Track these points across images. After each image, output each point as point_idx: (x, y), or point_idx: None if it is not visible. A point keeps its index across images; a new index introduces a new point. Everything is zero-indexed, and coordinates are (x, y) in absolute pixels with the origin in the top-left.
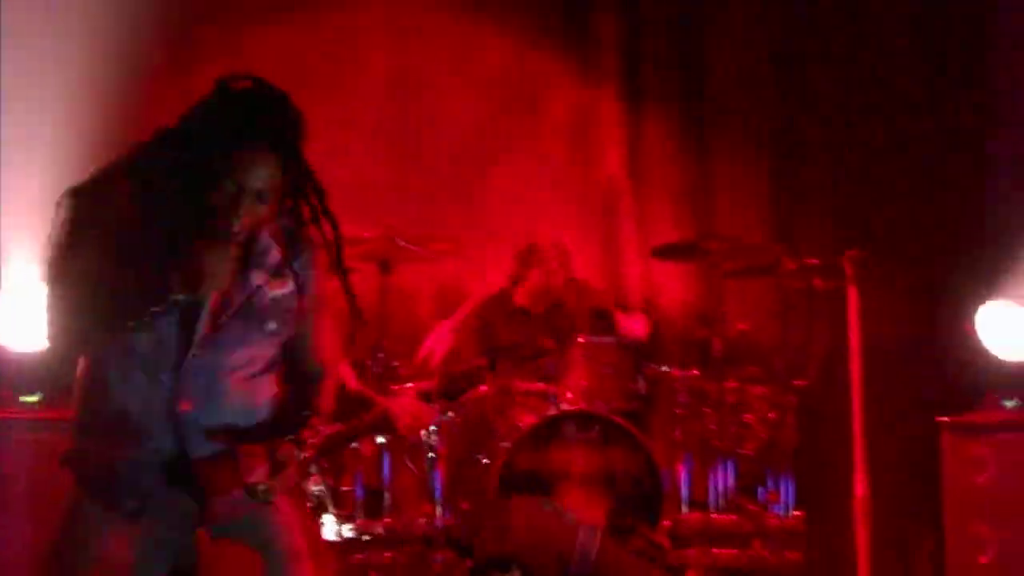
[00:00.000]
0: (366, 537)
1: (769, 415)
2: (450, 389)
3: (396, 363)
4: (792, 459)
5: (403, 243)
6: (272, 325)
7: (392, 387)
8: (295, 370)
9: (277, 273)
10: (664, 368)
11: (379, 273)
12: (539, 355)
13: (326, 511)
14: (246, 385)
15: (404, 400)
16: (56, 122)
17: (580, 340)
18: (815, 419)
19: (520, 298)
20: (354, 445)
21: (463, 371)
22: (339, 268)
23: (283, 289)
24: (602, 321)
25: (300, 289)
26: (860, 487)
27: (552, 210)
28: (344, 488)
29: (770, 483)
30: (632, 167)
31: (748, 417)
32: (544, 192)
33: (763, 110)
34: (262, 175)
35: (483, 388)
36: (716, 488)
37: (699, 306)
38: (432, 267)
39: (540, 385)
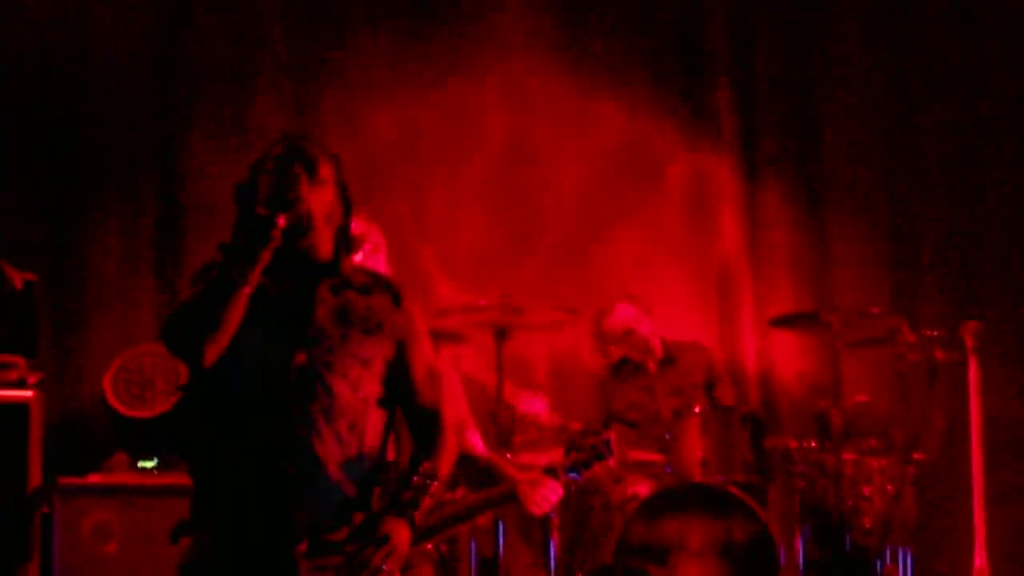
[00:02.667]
0: None
1: (887, 488)
2: (577, 464)
3: (512, 431)
4: (911, 533)
5: (514, 312)
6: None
7: (512, 458)
8: (409, 418)
9: (364, 289)
10: (781, 440)
11: (495, 341)
12: (655, 421)
13: None
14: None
15: (532, 477)
16: None
17: (696, 410)
18: (934, 493)
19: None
20: None
21: (590, 444)
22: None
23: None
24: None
25: (394, 302)
26: (979, 559)
27: (668, 279)
28: (457, 559)
29: (888, 556)
30: (749, 236)
31: (866, 490)
32: (660, 260)
33: (879, 179)
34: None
35: (611, 462)
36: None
37: (817, 377)
38: (548, 335)
39: (656, 455)
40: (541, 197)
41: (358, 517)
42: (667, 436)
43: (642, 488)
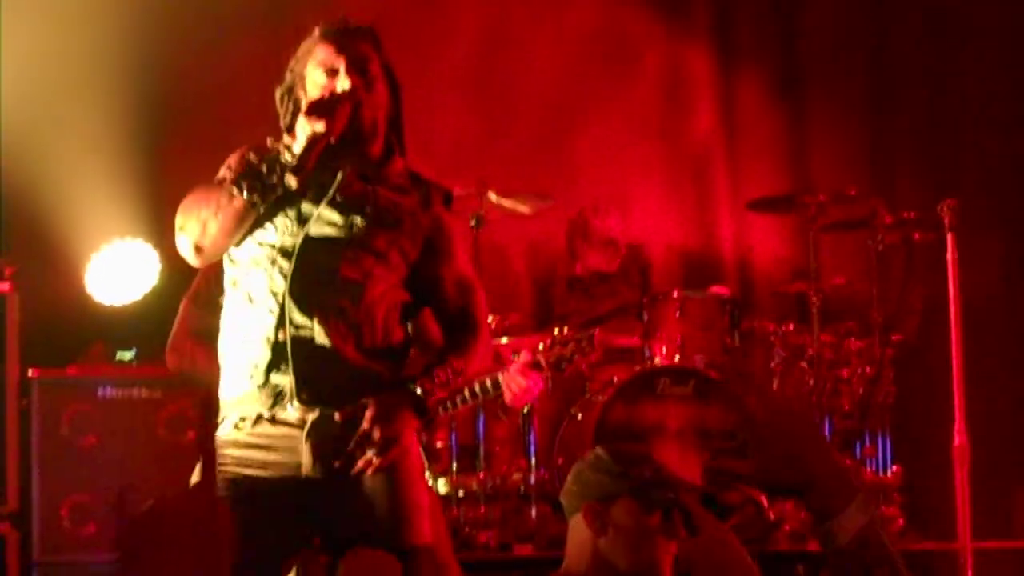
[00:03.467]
0: (461, 492)
1: (866, 370)
2: (560, 359)
3: (492, 320)
4: (890, 414)
5: (496, 198)
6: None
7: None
8: (439, 319)
9: (398, 188)
10: (759, 323)
11: (472, 228)
12: (620, 312)
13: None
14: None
15: (515, 370)
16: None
17: (674, 295)
18: (913, 374)
19: (579, 270)
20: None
21: (573, 340)
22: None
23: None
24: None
25: (424, 204)
26: (959, 437)
27: (645, 164)
28: (438, 444)
29: (867, 438)
30: (726, 121)
31: (845, 372)
32: (637, 146)
33: (856, 62)
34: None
35: (593, 357)
36: None
37: (795, 260)
38: (524, 222)
39: (634, 340)
40: (517, 83)
41: (367, 397)
42: (644, 320)
43: (620, 373)
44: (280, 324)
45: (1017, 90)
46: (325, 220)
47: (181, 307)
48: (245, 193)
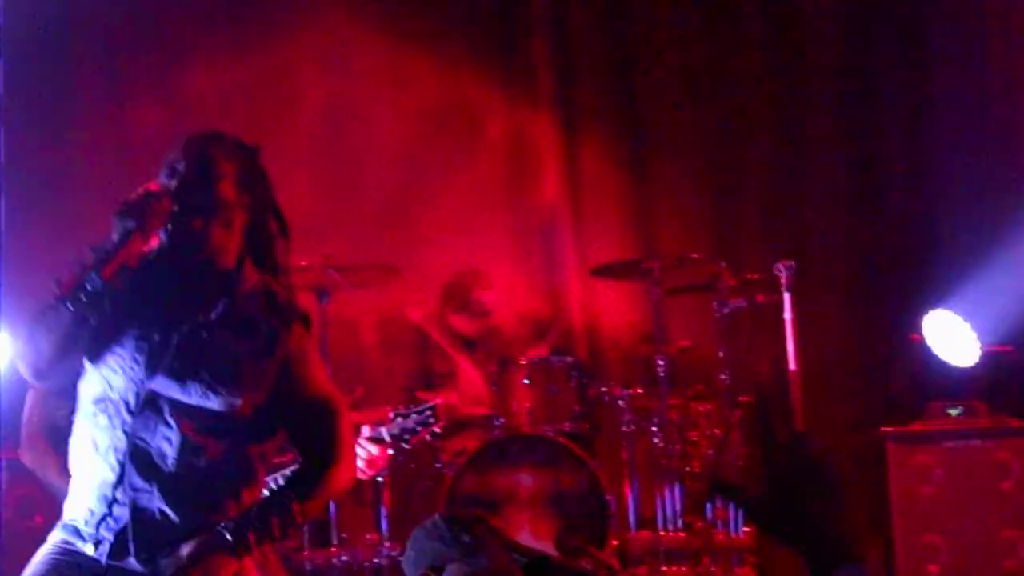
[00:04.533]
0: (316, 567)
1: (715, 431)
2: (404, 431)
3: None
4: (742, 475)
5: (337, 272)
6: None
7: None
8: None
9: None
10: (607, 388)
11: (317, 301)
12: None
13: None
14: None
15: (357, 442)
16: None
17: (522, 361)
18: (762, 434)
19: (458, 324)
20: None
21: (417, 412)
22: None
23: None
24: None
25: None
26: None
27: (491, 235)
28: None
29: (719, 500)
30: (571, 189)
31: (693, 434)
32: (483, 217)
33: (699, 125)
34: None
35: (438, 428)
36: (664, 507)
37: (642, 325)
38: (371, 295)
39: (483, 408)
40: (363, 157)
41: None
42: (493, 388)
43: (471, 442)
44: (119, 483)
45: (860, 152)
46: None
47: (28, 396)
48: (71, 304)
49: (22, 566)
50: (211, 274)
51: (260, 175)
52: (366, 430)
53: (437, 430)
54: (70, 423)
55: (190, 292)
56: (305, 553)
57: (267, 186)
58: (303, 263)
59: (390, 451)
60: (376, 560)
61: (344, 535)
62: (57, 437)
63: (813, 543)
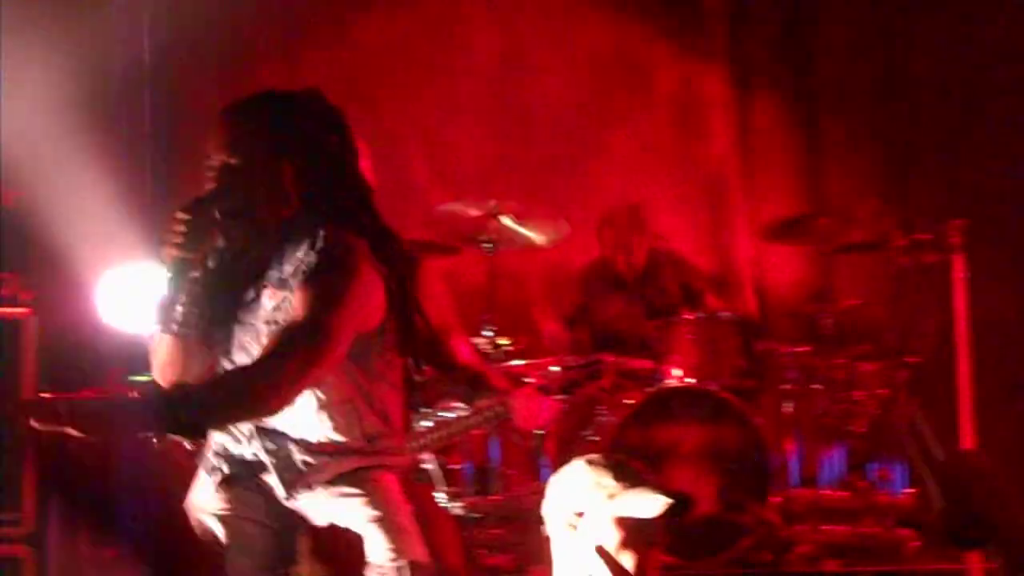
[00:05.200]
0: (476, 515)
1: (880, 392)
2: (571, 383)
3: (505, 342)
4: (904, 436)
5: (511, 222)
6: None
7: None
8: None
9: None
10: (773, 345)
11: (487, 252)
12: (644, 339)
13: (436, 489)
14: None
15: (525, 395)
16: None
17: (687, 316)
18: (928, 396)
19: (616, 266)
20: None
21: (583, 365)
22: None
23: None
24: (691, 299)
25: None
26: None
27: (659, 188)
28: (453, 466)
29: (882, 461)
30: (741, 144)
31: (858, 394)
32: (651, 169)
33: (872, 83)
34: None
35: (604, 382)
36: (826, 465)
37: (809, 282)
38: (539, 246)
39: (647, 362)
40: (532, 107)
41: None
42: (657, 343)
43: (634, 395)
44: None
45: None
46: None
47: None
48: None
49: None
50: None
51: (294, 122)
52: (532, 381)
53: (604, 384)
54: None
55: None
56: (466, 501)
57: (307, 133)
58: (473, 213)
59: (555, 402)
60: (537, 507)
61: (507, 484)
62: None
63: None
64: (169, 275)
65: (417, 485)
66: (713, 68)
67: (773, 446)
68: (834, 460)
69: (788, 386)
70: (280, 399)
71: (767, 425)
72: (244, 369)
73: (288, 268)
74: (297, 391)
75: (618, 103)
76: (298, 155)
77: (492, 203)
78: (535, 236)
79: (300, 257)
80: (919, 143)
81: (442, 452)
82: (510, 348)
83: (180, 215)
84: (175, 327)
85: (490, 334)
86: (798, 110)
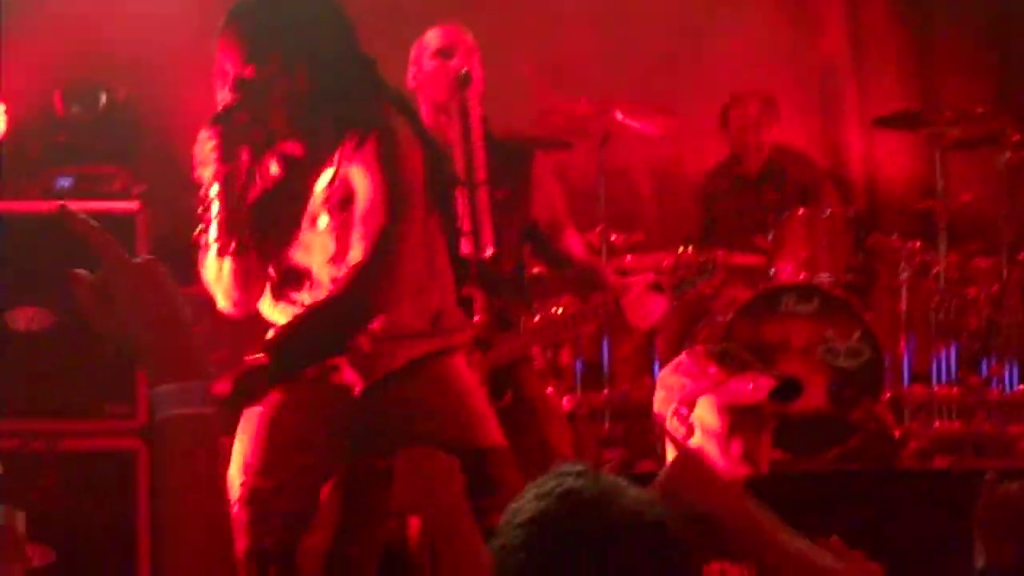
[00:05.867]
0: (585, 409)
1: (992, 289)
2: (683, 282)
3: (615, 239)
4: (1017, 333)
5: (620, 117)
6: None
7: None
8: None
9: None
10: (885, 240)
11: (597, 147)
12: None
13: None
14: None
15: (637, 291)
16: None
17: (799, 212)
18: None
19: (741, 160)
20: None
21: (697, 263)
22: None
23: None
24: (809, 195)
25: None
26: None
27: (770, 80)
28: (564, 361)
29: (994, 358)
30: (852, 39)
31: (971, 290)
32: (763, 65)
33: None
34: None
35: (716, 280)
36: (939, 362)
37: (922, 177)
38: (649, 141)
39: (759, 258)
40: (641, 1)
41: None
42: (770, 238)
43: (745, 290)
44: None
45: None
46: None
47: None
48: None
49: None
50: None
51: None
52: (645, 277)
53: (715, 283)
54: None
55: None
56: (577, 394)
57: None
58: (580, 110)
59: (666, 299)
60: (647, 402)
61: (616, 380)
62: None
63: None
64: (216, 192)
65: (528, 376)
66: None
67: (885, 342)
68: (946, 356)
69: (901, 282)
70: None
71: (879, 321)
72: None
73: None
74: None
75: None
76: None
77: (601, 97)
78: (645, 130)
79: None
80: None
81: (554, 347)
82: (622, 244)
83: (208, 129)
84: (233, 246)
85: (602, 230)
86: (911, 4)
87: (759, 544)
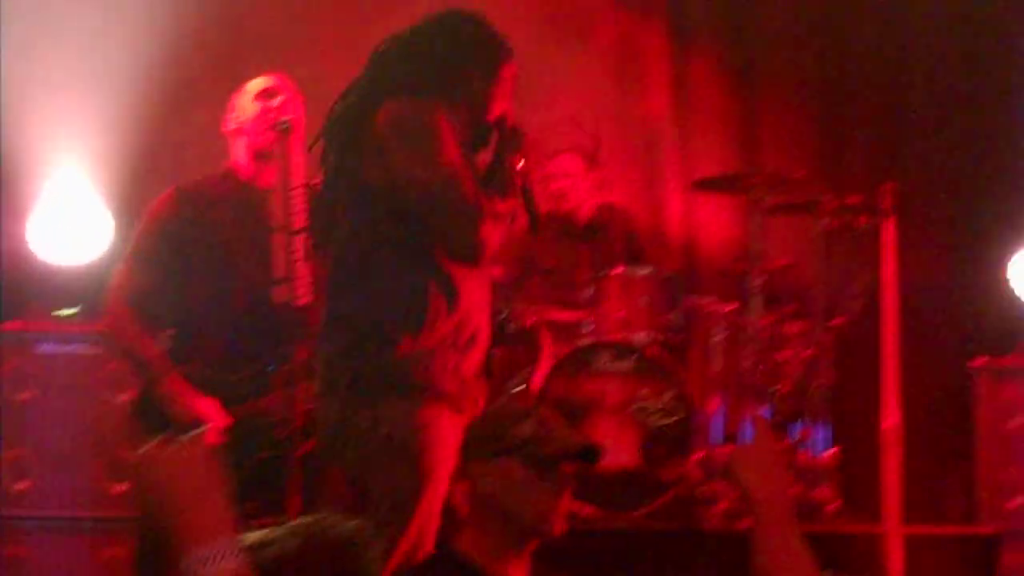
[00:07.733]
0: None
1: (805, 353)
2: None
3: None
4: (828, 398)
5: None
6: None
7: None
8: None
9: None
10: (701, 302)
11: None
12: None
13: None
14: None
15: None
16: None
17: (618, 270)
18: (853, 359)
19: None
20: None
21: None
22: None
23: None
24: (634, 253)
25: None
26: (891, 418)
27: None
28: None
29: (805, 421)
30: (677, 101)
31: (784, 354)
32: (586, 121)
33: (809, 44)
34: None
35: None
36: (749, 424)
37: (740, 241)
38: None
39: (576, 314)
40: None
41: None
42: (588, 295)
43: (560, 347)
44: None
45: (963, 70)
46: None
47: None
48: None
49: None
50: None
51: None
52: None
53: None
54: None
55: None
56: None
57: None
58: None
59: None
60: None
61: None
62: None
63: None
64: None
65: None
66: (651, 22)
67: (697, 402)
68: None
69: (714, 343)
70: None
71: (692, 381)
72: None
73: None
74: None
75: (556, 54)
76: None
77: None
78: None
79: None
80: (853, 107)
81: None
82: None
83: None
84: None
85: None
86: (735, 70)
87: None
